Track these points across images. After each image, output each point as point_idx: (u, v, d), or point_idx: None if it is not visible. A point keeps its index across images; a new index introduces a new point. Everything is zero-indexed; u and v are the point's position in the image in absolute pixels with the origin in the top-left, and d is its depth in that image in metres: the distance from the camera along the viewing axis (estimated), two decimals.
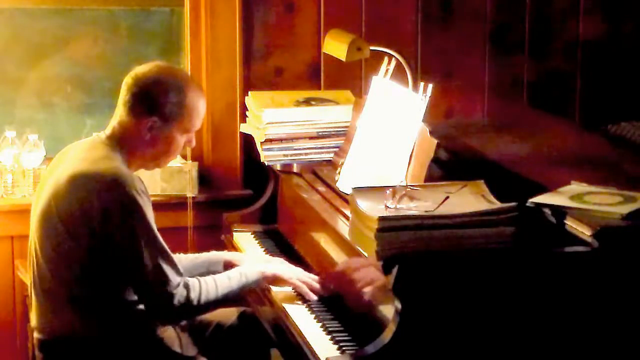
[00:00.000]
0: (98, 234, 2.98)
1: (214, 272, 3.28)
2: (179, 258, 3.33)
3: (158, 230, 3.06)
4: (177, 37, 4.24)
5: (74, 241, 3.00)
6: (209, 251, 3.47)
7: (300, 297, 3.18)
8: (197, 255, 3.41)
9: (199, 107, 3.18)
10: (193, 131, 3.21)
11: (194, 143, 3.27)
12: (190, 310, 3.07)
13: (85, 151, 3.11)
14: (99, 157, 3.07)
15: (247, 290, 3.23)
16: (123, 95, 3.14)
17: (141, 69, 3.17)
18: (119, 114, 3.15)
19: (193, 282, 3.06)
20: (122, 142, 3.13)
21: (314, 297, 3.17)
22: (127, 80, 3.15)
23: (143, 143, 3.13)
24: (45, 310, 3.10)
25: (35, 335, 3.14)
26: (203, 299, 3.06)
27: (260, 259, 3.43)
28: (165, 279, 3.00)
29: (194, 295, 3.04)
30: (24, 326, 3.75)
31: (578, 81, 4.45)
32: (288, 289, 3.23)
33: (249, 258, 3.42)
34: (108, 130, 3.16)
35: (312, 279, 3.22)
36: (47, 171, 3.22)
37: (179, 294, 3.02)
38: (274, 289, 3.25)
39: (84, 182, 3.00)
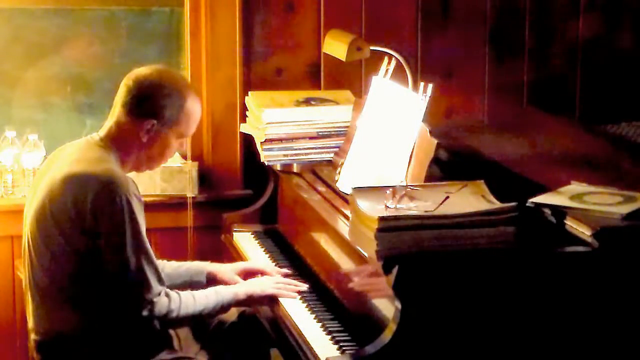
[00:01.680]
0: (89, 235, 2.98)
1: (196, 282, 3.32)
2: (163, 265, 3.33)
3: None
4: (177, 37, 4.24)
5: (67, 241, 3.00)
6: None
7: (303, 297, 3.18)
8: (180, 263, 3.41)
9: (196, 113, 3.20)
10: (187, 136, 3.23)
11: (184, 148, 3.32)
12: (168, 320, 3.07)
13: (80, 152, 3.12)
14: (93, 158, 3.07)
15: (224, 310, 3.21)
16: (122, 96, 3.15)
17: (142, 71, 3.17)
18: (116, 114, 3.16)
19: (173, 293, 3.07)
20: (117, 143, 3.13)
21: (296, 295, 3.18)
22: (127, 82, 3.16)
23: (139, 145, 3.14)
24: (40, 310, 3.10)
25: (32, 336, 3.14)
26: (182, 311, 3.07)
27: (236, 277, 3.39)
28: (147, 286, 3.01)
29: (174, 306, 3.05)
30: (24, 326, 3.74)
31: (578, 81, 4.45)
32: None
33: (231, 270, 3.40)
34: (103, 131, 3.17)
35: (285, 282, 3.25)
36: (41, 171, 3.22)
37: (160, 303, 3.02)
38: None
39: (78, 183, 3.00)
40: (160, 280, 3.05)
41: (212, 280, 3.36)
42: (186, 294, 3.11)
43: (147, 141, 3.14)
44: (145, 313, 3.01)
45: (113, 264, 2.99)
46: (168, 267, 3.36)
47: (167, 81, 3.16)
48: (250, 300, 3.22)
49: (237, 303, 3.21)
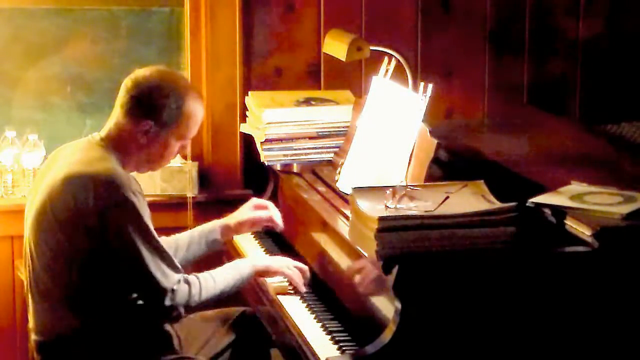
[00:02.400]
0: (94, 235, 2.98)
1: (212, 241, 3.40)
2: (176, 239, 3.38)
3: (157, 229, 3.06)
4: (177, 37, 4.24)
5: (69, 241, 3.00)
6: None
7: (303, 297, 3.18)
8: (191, 231, 3.44)
9: (197, 115, 3.18)
10: (188, 138, 3.21)
11: (188, 150, 3.30)
12: (192, 305, 3.08)
13: (80, 152, 3.12)
14: (94, 157, 3.07)
15: (244, 285, 3.24)
16: (121, 97, 3.15)
17: (142, 72, 3.17)
18: (116, 115, 3.15)
19: (192, 278, 3.08)
20: (116, 143, 3.13)
21: (303, 289, 3.20)
22: (126, 83, 3.16)
23: (137, 146, 3.13)
24: (42, 311, 3.10)
25: (33, 337, 3.14)
26: (204, 294, 3.08)
27: (248, 212, 3.50)
28: (165, 277, 3.01)
29: (195, 291, 3.06)
30: (24, 326, 3.75)
31: (578, 81, 4.45)
32: (279, 278, 3.26)
33: (243, 215, 3.48)
34: (103, 132, 3.16)
35: (300, 268, 3.25)
36: (42, 171, 3.22)
37: (181, 290, 3.03)
38: (268, 280, 3.27)
39: (79, 182, 3.00)
40: (175, 268, 3.06)
41: (228, 231, 3.46)
42: (205, 276, 3.11)
43: (145, 142, 3.13)
44: (167, 302, 3.02)
45: (127, 262, 3.00)
46: (181, 240, 3.40)
47: (166, 82, 3.15)
48: (268, 273, 3.25)
49: (257, 274, 3.24)
